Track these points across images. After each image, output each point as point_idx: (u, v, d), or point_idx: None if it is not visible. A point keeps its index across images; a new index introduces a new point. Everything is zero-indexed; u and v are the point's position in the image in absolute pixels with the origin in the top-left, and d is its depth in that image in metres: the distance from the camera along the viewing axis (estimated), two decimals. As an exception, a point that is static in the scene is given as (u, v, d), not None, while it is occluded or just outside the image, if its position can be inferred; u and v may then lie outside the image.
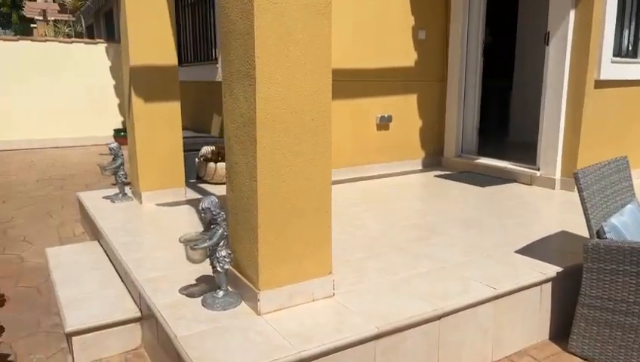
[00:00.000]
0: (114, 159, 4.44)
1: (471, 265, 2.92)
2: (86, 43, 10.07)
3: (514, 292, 2.62)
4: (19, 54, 9.35)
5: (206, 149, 5.42)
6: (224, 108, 2.50)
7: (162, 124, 4.35)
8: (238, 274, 2.45)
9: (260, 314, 2.28)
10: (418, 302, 2.43)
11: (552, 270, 2.80)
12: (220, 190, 5.05)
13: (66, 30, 11.14)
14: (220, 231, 2.32)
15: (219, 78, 5.74)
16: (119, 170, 4.45)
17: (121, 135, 10.27)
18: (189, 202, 4.49)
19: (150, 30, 4.18)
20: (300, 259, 2.35)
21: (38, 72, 9.52)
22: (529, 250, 3.14)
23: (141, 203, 4.37)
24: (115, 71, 10.25)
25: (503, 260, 2.98)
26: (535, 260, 2.95)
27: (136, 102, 4.23)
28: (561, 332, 2.80)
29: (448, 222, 3.86)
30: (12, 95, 9.36)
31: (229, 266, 2.36)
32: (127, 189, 4.60)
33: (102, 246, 3.80)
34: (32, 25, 17.37)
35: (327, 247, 2.43)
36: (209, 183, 5.29)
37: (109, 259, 3.51)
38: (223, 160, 5.24)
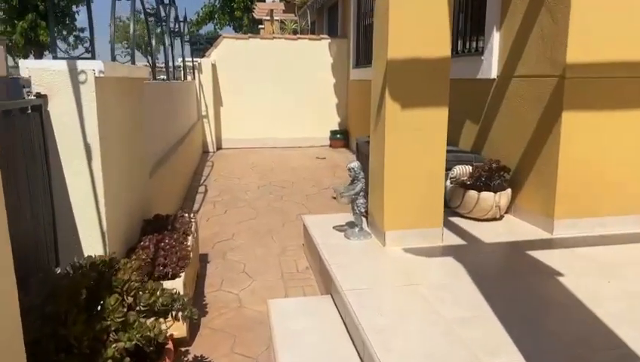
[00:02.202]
0: (352, 182, 3.38)
1: None
2: (310, 39, 9.65)
3: None
4: (249, 52, 9.36)
5: (460, 170, 4.05)
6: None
7: (423, 138, 3.11)
8: None
9: None
10: None
11: None
12: (483, 231, 3.58)
13: (293, 26, 11.00)
14: None
15: (482, 75, 4.30)
16: (358, 198, 3.37)
17: (336, 137, 9.65)
18: (449, 251, 3.17)
19: (419, 10, 2.96)
20: None
21: (264, 69, 9.42)
22: None
23: (384, 245, 3.22)
24: (336, 68, 9.64)
25: None
26: None
27: (391, 107, 3.06)
28: None
29: None
30: (240, 93, 9.44)
31: None
32: (364, 221, 3.51)
33: (337, 307, 2.74)
34: (259, 26, 18.47)
35: None
36: (464, 217, 3.90)
37: (351, 339, 2.39)
38: (486, 188, 3.80)
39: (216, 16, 24.72)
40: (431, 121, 3.09)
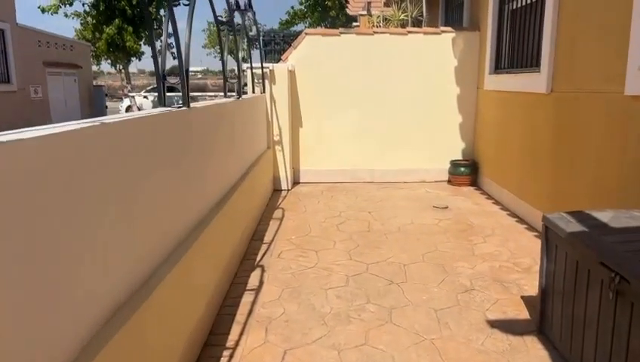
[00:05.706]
0: None
1: None
2: (426, 33, 6.89)
3: None
4: (340, 53, 6.84)
5: None
6: None
7: None
8: None
9: None
10: None
11: None
12: None
13: (401, 16, 8.30)
14: None
15: None
16: None
17: (459, 171, 6.80)
18: None
19: None
20: None
21: (360, 76, 6.87)
22: None
23: None
24: (462, 73, 6.80)
25: None
26: None
27: None
28: None
29: None
30: (325, 110, 6.96)
31: None
32: None
33: None
34: (353, 24, 16.04)
35: None
36: None
37: None
38: None
39: (307, 15, 22.61)
40: None
